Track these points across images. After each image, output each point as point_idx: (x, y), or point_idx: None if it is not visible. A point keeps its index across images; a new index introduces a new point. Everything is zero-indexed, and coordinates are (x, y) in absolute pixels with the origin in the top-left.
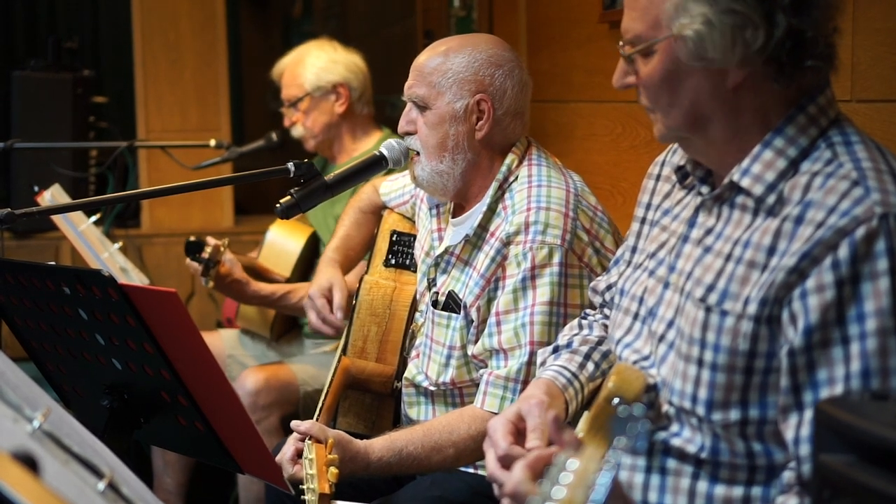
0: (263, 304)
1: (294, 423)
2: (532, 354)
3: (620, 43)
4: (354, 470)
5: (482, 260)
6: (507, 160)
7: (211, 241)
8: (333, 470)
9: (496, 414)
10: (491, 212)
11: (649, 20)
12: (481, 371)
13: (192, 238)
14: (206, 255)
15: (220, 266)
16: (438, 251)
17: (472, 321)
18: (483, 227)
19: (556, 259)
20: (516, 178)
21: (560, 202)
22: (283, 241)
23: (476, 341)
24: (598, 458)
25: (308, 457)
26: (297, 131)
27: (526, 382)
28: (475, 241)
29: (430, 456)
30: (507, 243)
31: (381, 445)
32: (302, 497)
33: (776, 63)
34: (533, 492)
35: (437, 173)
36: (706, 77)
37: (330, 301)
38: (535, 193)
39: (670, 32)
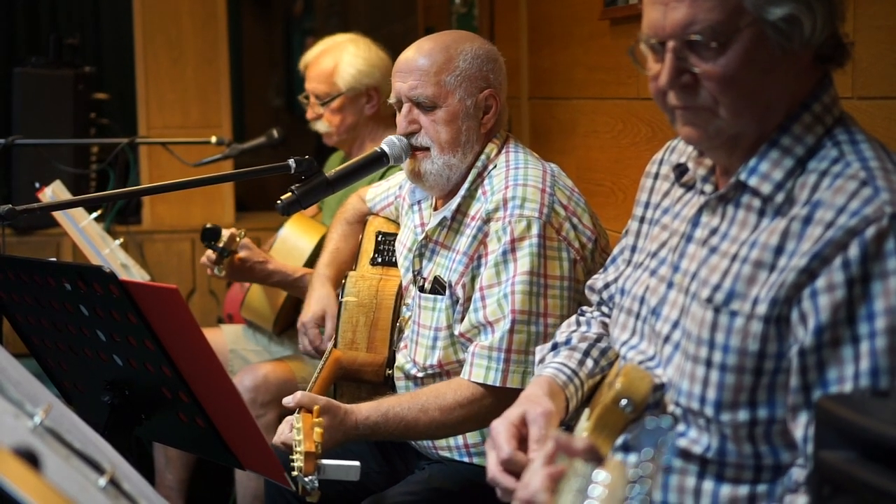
0: (282, 284)
1: (286, 401)
2: (514, 322)
3: (678, 39)
4: (345, 432)
5: (463, 241)
6: (487, 149)
7: (226, 232)
8: (318, 430)
9: (482, 384)
10: (470, 198)
11: (730, 6)
12: (468, 347)
13: (209, 225)
14: (221, 243)
15: (234, 256)
16: (420, 237)
17: (458, 299)
18: (463, 213)
19: (535, 231)
20: (495, 165)
21: (537, 180)
22: (295, 239)
23: (462, 319)
24: (626, 470)
25: (296, 426)
26: (321, 126)
27: (509, 351)
28: (456, 226)
29: (417, 418)
30: (487, 220)
31: (367, 406)
32: (291, 464)
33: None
34: (550, 501)
35: (449, 167)
36: (786, 64)
37: (322, 328)
38: (513, 174)
39: (758, 16)
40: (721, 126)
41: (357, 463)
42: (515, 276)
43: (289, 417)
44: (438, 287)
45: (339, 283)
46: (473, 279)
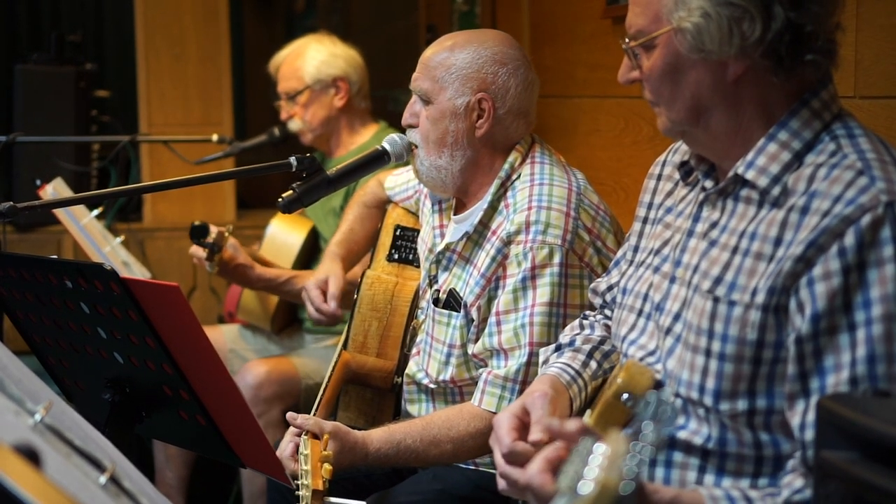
0: (267, 289)
1: (290, 416)
2: (531, 355)
3: (626, 39)
4: (353, 461)
5: (483, 258)
6: (510, 158)
7: (214, 228)
8: (327, 466)
9: (494, 413)
10: (493, 209)
11: (651, 14)
12: (481, 370)
13: (197, 222)
14: (210, 239)
15: (223, 252)
16: (439, 248)
17: (473, 320)
18: (484, 225)
19: (557, 259)
20: (519, 175)
21: (562, 201)
22: (283, 235)
23: (476, 340)
24: (626, 441)
25: (303, 452)
26: (294, 125)
27: (524, 383)
28: (476, 238)
29: (427, 450)
30: (507, 242)
31: (379, 437)
32: (296, 493)
33: (775, 56)
34: (549, 482)
35: (436, 168)
36: (706, 69)
37: (325, 292)
38: (538, 192)
39: (670, 25)
40: (665, 121)
41: (363, 503)
42: (535, 307)
43: (291, 432)
44: (453, 302)
45: (348, 263)
46: (490, 301)
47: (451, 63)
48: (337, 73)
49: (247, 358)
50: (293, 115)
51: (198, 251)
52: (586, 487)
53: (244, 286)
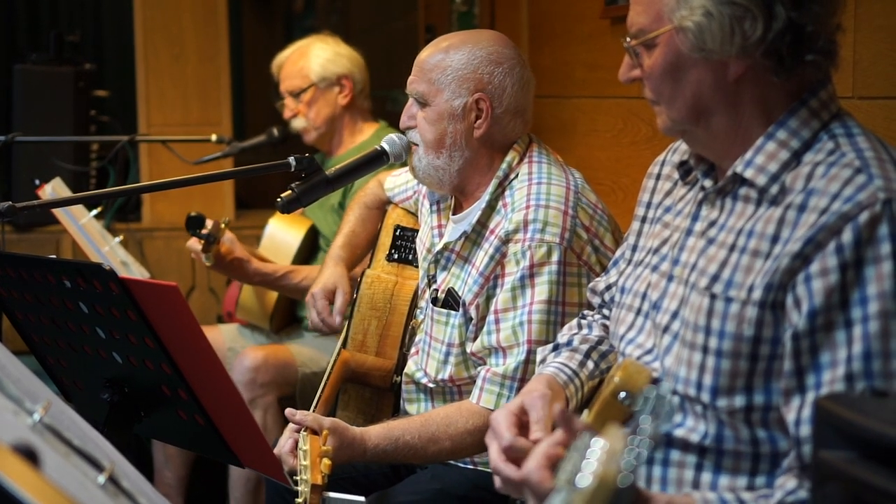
0: (264, 283)
1: (289, 412)
2: (530, 353)
3: (627, 38)
4: (352, 456)
5: (481, 257)
6: (508, 157)
7: (210, 222)
8: (327, 461)
9: (492, 410)
10: (491, 209)
11: (652, 13)
12: (479, 368)
13: (193, 213)
14: (206, 230)
15: (220, 245)
16: (438, 247)
17: (471, 319)
18: (482, 224)
19: (555, 257)
20: (517, 175)
21: (560, 200)
22: (282, 234)
23: (475, 339)
24: (624, 436)
25: (302, 448)
26: (298, 123)
27: (523, 380)
28: (475, 237)
29: (426, 447)
30: (506, 241)
31: (377, 433)
32: (295, 488)
33: (776, 56)
34: (547, 478)
35: (434, 167)
36: (707, 69)
37: (332, 303)
38: (535, 191)
39: (672, 24)
40: (665, 120)
41: (362, 498)
42: (533, 305)
43: (290, 428)
44: (452, 301)
45: (351, 265)
46: (488, 299)
47: (447, 64)
48: (342, 71)
49: None
50: (297, 112)
51: (194, 244)
52: (584, 481)
53: (241, 280)
